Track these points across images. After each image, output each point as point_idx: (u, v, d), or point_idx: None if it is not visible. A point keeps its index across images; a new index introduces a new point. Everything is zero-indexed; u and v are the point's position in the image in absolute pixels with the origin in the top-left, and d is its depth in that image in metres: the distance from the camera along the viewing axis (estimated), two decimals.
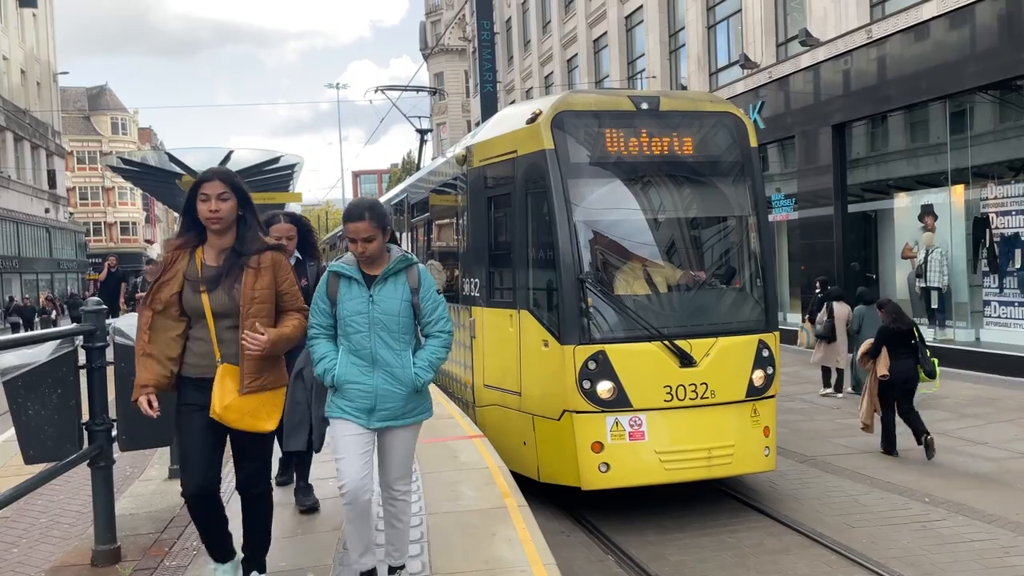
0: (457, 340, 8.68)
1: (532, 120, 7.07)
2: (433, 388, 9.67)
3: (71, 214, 55.78)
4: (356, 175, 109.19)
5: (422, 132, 17.96)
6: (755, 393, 6.90)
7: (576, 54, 30.91)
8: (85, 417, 4.43)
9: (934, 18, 13.59)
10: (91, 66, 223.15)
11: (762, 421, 6.94)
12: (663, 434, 6.56)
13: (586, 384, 6.51)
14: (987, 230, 12.97)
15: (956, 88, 13.40)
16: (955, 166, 13.89)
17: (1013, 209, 12.58)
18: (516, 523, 4.84)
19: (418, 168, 16.42)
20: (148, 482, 6.30)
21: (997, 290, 12.87)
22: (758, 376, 6.92)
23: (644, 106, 7.15)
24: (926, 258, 14.23)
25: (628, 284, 6.99)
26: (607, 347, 6.55)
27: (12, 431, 4.25)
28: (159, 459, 6.79)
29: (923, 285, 14.44)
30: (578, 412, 6.55)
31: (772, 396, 7.11)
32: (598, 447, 6.49)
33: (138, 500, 5.78)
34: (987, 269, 13.05)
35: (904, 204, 15.51)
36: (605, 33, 28.36)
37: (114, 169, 23.81)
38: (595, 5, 28.80)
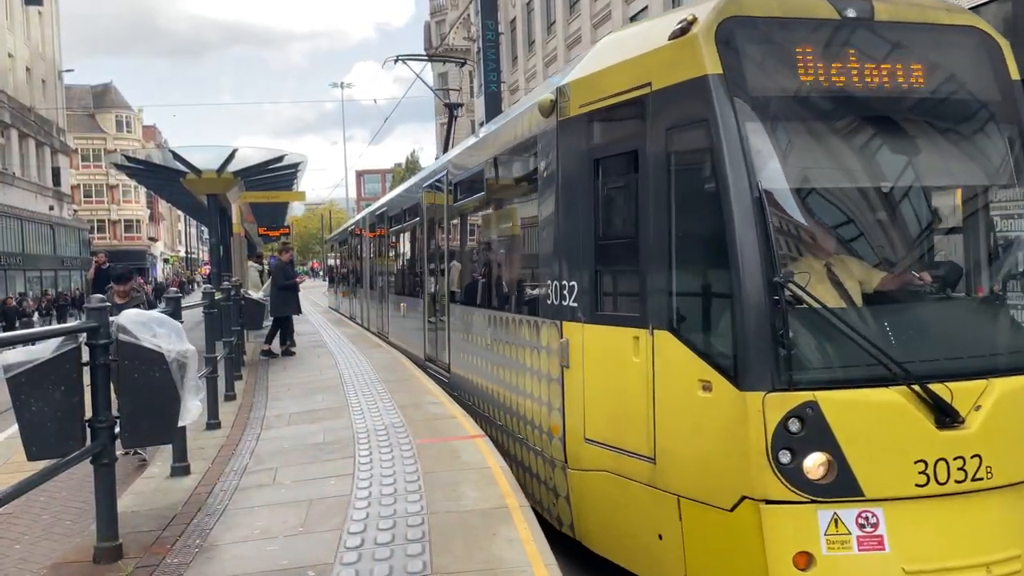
0: (534, 368, 6.34)
1: (682, 32, 4.66)
2: (433, 388, 9.66)
3: (75, 211, 55.90)
4: (360, 174, 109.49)
5: (451, 107, 16.82)
6: None
7: (580, 55, 30.91)
8: (88, 414, 4.44)
9: None
10: (98, 66, 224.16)
11: None
12: (915, 541, 4.19)
13: (785, 456, 4.15)
14: None
15: None
16: None
17: None
18: (517, 523, 4.84)
19: (446, 150, 14.17)
20: (150, 479, 6.31)
21: None
22: None
23: (850, 13, 4.77)
24: None
25: (849, 292, 4.66)
26: (820, 395, 4.16)
27: (15, 427, 4.27)
28: (161, 457, 6.81)
29: None
30: (770, 502, 4.18)
31: None
32: (805, 560, 4.13)
33: (140, 497, 5.79)
34: None
35: None
36: (610, 34, 28.36)
37: (118, 167, 23.84)
38: (600, 6, 28.82)
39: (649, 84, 4.92)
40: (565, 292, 5.71)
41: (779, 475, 4.15)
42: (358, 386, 10.12)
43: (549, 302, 5.95)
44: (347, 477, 5.94)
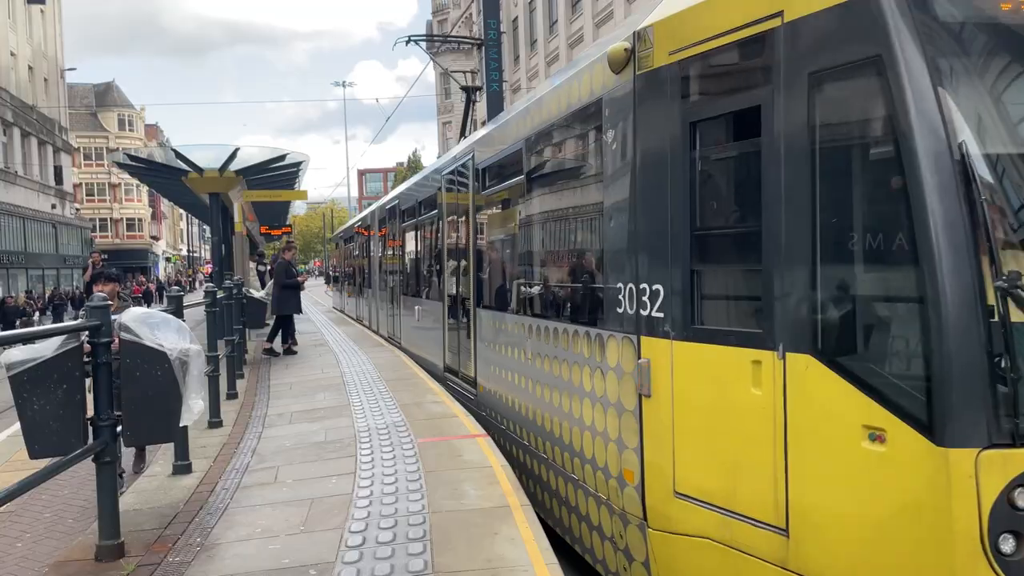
0: (596, 394, 5.07)
1: None
2: (435, 387, 9.65)
3: (77, 210, 55.92)
4: (362, 173, 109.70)
5: (468, 90, 16.14)
6: None
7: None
8: (90, 412, 4.44)
9: None
10: (100, 65, 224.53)
11: None
12: None
13: (1007, 543, 2.96)
14: None
15: None
16: None
17: None
18: (519, 522, 4.83)
19: (463, 136, 12.64)
20: (152, 478, 6.31)
21: None
22: None
23: None
24: None
25: None
26: None
27: (17, 426, 4.27)
28: (163, 455, 6.81)
29: None
30: None
31: None
32: None
33: (142, 496, 5.80)
34: None
35: None
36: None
37: (121, 166, 23.85)
38: (602, 5, 28.82)
39: (780, 14, 3.60)
40: (645, 298, 4.41)
41: (999, 571, 2.94)
42: (360, 385, 10.13)
43: (621, 310, 4.66)
44: (349, 476, 5.94)
